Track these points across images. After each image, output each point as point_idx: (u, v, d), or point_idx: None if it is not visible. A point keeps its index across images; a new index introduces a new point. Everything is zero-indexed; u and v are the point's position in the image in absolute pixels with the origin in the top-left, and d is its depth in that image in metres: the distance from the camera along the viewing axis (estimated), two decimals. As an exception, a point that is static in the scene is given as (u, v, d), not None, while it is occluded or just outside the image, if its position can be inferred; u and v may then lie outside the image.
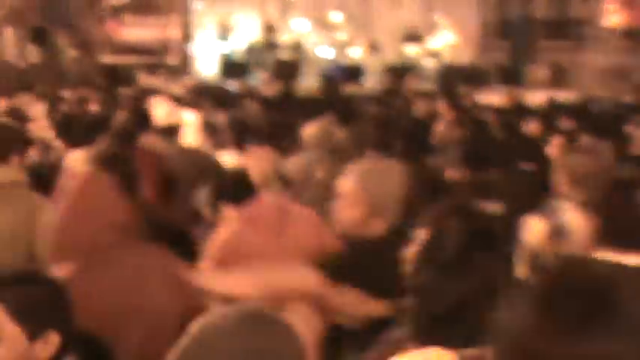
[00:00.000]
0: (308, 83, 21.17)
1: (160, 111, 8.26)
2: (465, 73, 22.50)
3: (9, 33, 22.32)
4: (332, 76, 22.00)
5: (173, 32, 22.98)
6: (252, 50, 23.82)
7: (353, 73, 22.52)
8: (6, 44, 22.34)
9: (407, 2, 25.75)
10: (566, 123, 10.30)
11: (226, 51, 23.82)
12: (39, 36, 22.39)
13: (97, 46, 22.52)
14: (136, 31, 22.63)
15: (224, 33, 23.89)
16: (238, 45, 23.92)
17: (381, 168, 3.93)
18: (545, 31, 26.02)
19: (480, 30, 26.18)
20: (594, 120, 10.72)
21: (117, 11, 22.57)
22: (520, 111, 12.88)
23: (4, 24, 21.99)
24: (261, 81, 21.30)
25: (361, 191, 3.72)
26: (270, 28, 23.96)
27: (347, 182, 3.77)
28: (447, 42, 24.03)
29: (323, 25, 24.19)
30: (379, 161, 4.68)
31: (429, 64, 23.62)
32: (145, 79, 21.10)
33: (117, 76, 21.14)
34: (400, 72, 22.32)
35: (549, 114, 11.28)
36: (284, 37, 24.24)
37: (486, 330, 1.57)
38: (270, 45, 23.73)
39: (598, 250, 3.63)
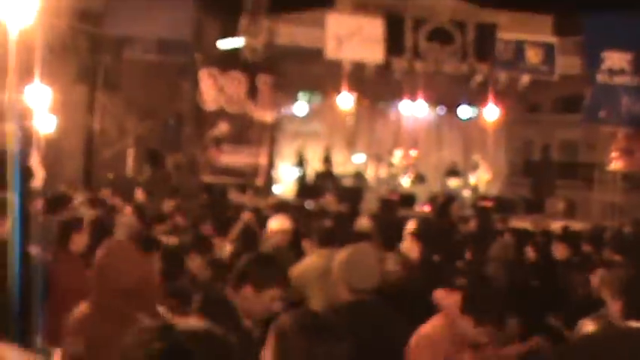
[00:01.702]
0: (369, 206, 25.40)
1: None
2: (497, 203, 26.62)
3: (131, 153, 27.14)
4: (389, 200, 26.27)
5: (261, 159, 27.47)
6: (319, 176, 28.18)
7: (406, 199, 26.74)
8: (128, 162, 27.12)
9: (449, 143, 30.40)
10: (585, 247, 11.64)
11: (300, 176, 28.28)
12: (153, 157, 27.09)
13: (200, 168, 27.13)
14: (232, 157, 27.14)
15: (300, 162, 28.48)
16: (310, 171, 28.46)
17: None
18: (561, 172, 30.25)
19: (508, 169, 30.64)
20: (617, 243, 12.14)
21: (218, 140, 27.14)
22: (546, 236, 14.30)
23: (131, 145, 26.86)
24: (327, 202, 25.44)
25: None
26: (327, 160, 28.39)
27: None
28: (481, 177, 28.39)
29: (379, 159, 28.71)
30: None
31: (467, 194, 27.92)
32: (235, 196, 25.47)
33: (213, 193, 25.52)
34: (445, 200, 26.41)
35: (571, 239, 12.17)
36: (347, 168, 28.70)
37: None
38: (328, 173, 28.04)
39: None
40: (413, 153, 28.55)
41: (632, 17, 26.86)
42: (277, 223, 9.20)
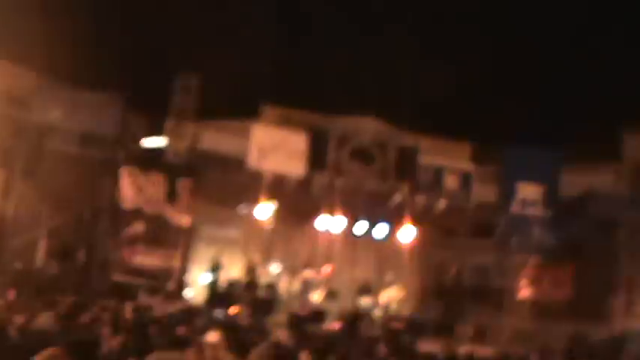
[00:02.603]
0: (279, 319, 25.09)
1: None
2: (407, 324, 26.64)
3: (43, 244, 26.50)
4: (299, 315, 26.01)
5: (174, 262, 27.13)
6: (233, 285, 27.84)
7: (316, 315, 26.52)
8: (39, 253, 26.44)
9: (363, 261, 30.55)
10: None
11: (213, 282, 27.86)
12: (64, 251, 26.49)
13: (112, 266, 26.62)
14: (145, 258, 26.74)
15: (214, 268, 28.17)
16: (224, 279, 28.12)
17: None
18: (472, 296, 30.56)
19: (420, 290, 30.88)
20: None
21: (133, 240, 26.78)
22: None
23: (43, 236, 26.21)
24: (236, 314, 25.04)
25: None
26: (252, 270, 28.19)
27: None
28: (393, 296, 28.45)
29: (293, 272, 28.58)
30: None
31: (378, 313, 27.89)
32: (144, 298, 24.95)
33: (122, 294, 24.96)
34: (354, 318, 26.32)
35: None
36: (262, 279, 28.46)
37: None
38: (250, 284, 27.75)
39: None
40: (327, 269, 28.54)
41: (545, 152, 27.94)
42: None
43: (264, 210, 27.36)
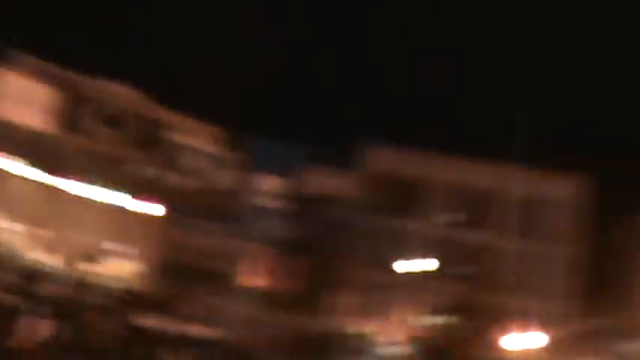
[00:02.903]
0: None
1: None
2: (134, 297, 26.31)
3: None
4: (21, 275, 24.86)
5: None
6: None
7: (39, 276, 25.48)
8: None
9: (97, 228, 29.76)
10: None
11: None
12: None
13: None
14: None
15: None
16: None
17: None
18: (200, 277, 30.76)
19: (149, 266, 30.63)
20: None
21: None
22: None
23: None
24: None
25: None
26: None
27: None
28: (123, 268, 27.96)
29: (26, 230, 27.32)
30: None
31: (105, 281, 27.28)
32: None
33: None
34: (80, 283, 25.50)
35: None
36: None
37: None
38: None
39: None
40: (55, 232, 27.62)
41: (292, 148, 28.78)
42: None
43: (15, 163, 25.94)
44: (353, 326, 32.01)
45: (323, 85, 31.82)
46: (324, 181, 32.16)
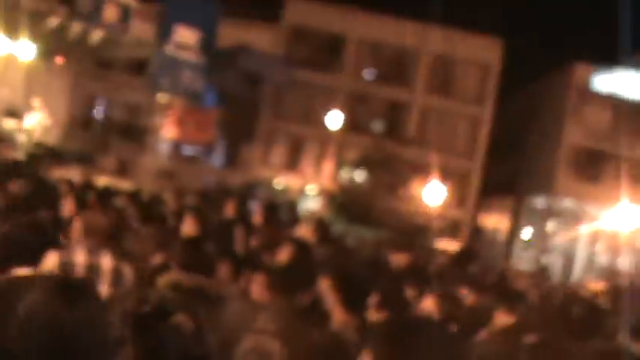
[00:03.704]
0: None
1: None
2: (51, 152, 26.42)
3: None
4: None
5: None
6: None
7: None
8: None
9: (10, 82, 29.39)
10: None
11: None
12: None
13: None
14: None
15: None
16: None
17: None
18: (118, 131, 31.03)
19: (68, 119, 30.64)
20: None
21: None
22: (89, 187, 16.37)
23: None
24: None
25: None
26: None
27: None
28: (39, 123, 27.89)
29: None
30: None
31: (22, 138, 27.24)
32: None
33: None
34: None
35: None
36: None
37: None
38: None
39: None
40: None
41: (207, 0, 28.57)
42: None
43: None
44: (268, 177, 32.77)
45: None
46: (240, 34, 32.04)
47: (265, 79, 32.00)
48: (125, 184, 22.93)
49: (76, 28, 28.16)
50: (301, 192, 35.09)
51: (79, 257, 4.97)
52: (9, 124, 27.63)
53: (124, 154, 30.20)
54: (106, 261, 5.13)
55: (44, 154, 25.96)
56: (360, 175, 36.23)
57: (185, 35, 28.66)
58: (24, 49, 28.32)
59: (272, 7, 33.44)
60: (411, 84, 38.07)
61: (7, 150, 25.07)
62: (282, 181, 34.77)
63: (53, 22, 27.75)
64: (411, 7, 35.66)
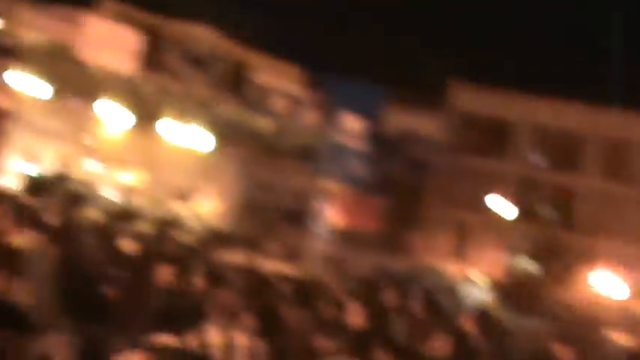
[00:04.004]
0: (92, 215, 25.03)
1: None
2: (219, 235, 27.17)
3: None
4: (113, 214, 26.03)
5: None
6: (49, 177, 27.37)
7: (132, 216, 26.58)
8: None
9: (182, 168, 30.64)
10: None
11: (32, 173, 27.28)
12: None
13: None
14: None
15: (31, 156, 27.54)
16: (41, 170, 27.56)
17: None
18: (285, 217, 31.45)
19: (237, 204, 31.41)
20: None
21: None
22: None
23: None
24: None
25: None
26: (65, 164, 27.77)
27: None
28: (209, 207, 28.84)
29: (116, 172, 28.41)
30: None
31: (193, 222, 28.21)
32: None
33: None
34: (166, 223, 26.52)
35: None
36: (78, 173, 28.08)
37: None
38: (62, 177, 27.34)
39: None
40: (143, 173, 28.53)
41: (373, 87, 28.90)
42: None
43: (106, 107, 26.77)
44: (436, 266, 32.19)
45: (406, 23, 31.54)
46: (406, 121, 32.12)
47: (431, 165, 31.77)
48: (291, 269, 23.05)
49: (245, 117, 29.11)
50: (467, 280, 34.22)
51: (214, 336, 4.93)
52: (181, 208, 28.62)
53: (291, 240, 30.51)
54: (241, 339, 5.04)
55: (213, 238, 26.61)
56: (529, 264, 34.99)
57: (351, 123, 29.02)
58: (199, 138, 29.44)
59: (437, 93, 33.37)
60: (582, 169, 36.75)
61: (179, 233, 25.90)
62: (447, 269, 34.07)
63: (225, 111, 28.82)
64: (578, 90, 34.56)
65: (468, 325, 7.95)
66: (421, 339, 7.39)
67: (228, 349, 5.08)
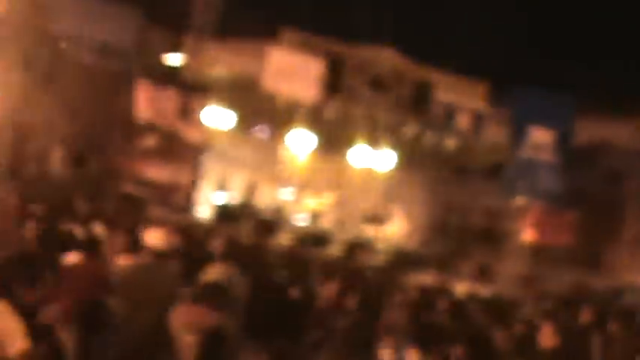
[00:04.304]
0: (283, 240, 25.62)
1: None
2: (409, 257, 27.14)
3: (57, 150, 26.90)
4: (304, 238, 26.54)
5: (184, 178, 27.59)
6: (240, 205, 28.32)
7: (322, 239, 27.03)
8: (52, 159, 26.89)
9: (371, 191, 30.81)
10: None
11: (222, 201, 28.37)
12: (78, 158, 26.96)
13: (123, 177, 27.07)
14: (157, 171, 27.22)
15: (222, 186, 28.65)
16: (232, 198, 28.59)
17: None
18: (477, 236, 30.90)
19: (427, 225, 31.19)
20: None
21: (145, 153, 27.24)
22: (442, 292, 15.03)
23: (57, 143, 26.58)
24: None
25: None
26: (251, 190, 28.63)
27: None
28: (399, 229, 28.81)
29: (303, 197, 29.01)
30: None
31: (382, 244, 28.29)
32: (152, 210, 25.49)
33: (133, 204, 25.44)
34: (355, 245, 26.76)
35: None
36: (269, 200, 28.85)
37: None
38: (248, 204, 28.20)
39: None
40: (331, 196, 28.88)
41: (560, 97, 27.86)
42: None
43: (296, 137, 27.64)
44: (636, 282, 30.48)
45: (594, 27, 30.29)
46: (599, 130, 30.73)
47: (628, 176, 30.20)
48: (485, 290, 22.62)
49: (430, 136, 28.89)
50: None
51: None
52: (370, 230, 28.74)
53: (483, 259, 29.93)
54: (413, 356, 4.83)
55: (402, 260, 26.57)
56: None
57: (540, 136, 28.14)
58: (384, 160, 29.50)
59: (631, 99, 31.67)
60: None
61: (367, 255, 26.06)
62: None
63: (409, 132, 28.74)
64: None
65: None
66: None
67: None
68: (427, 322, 7.81)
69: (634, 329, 8.69)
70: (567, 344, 7.37)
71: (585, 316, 9.52)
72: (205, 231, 19.24)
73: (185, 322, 5.07)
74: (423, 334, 5.64)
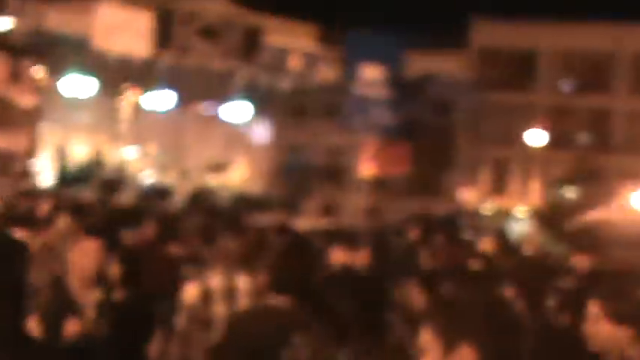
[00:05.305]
0: (127, 198, 25.50)
1: None
2: (254, 201, 27.50)
3: None
4: (147, 194, 26.45)
5: (20, 144, 26.77)
6: (84, 168, 27.85)
7: (165, 193, 26.98)
8: None
9: (213, 140, 30.98)
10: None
11: (64, 166, 27.79)
12: None
13: None
14: None
15: (62, 150, 28.03)
16: (72, 161, 28.05)
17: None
18: (319, 175, 31.66)
19: (270, 168, 31.66)
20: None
21: None
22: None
23: None
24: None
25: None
26: (98, 153, 28.25)
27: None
28: (242, 175, 29.09)
29: (145, 154, 28.79)
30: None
31: (227, 191, 28.52)
32: None
33: None
34: (200, 195, 26.91)
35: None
36: (112, 161, 28.52)
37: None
38: (97, 165, 27.82)
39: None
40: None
41: (388, 34, 28.81)
42: None
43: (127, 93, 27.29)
44: (473, 203, 32.23)
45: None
46: (427, 63, 31.99)
47: (457, 105, 31.67)
48: (328, 224, 23.15)
49: (264, 80, 29.25)
50: (509, 215, 34.21)
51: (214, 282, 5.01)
52: (213, 179, 28.90)
53: (327, 196, 30.67)
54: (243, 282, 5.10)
55: (247, 204, 26.85)
56: (568, 191, 34.84)
57: (371, 72, 29.00)
58: (224, 108, 29.63)
59: (457, 32, 33.11)
60: (613, 89, 36.32)
61: (210, 204, 26.18)
62: (488, 206, 34.07)
63: (242, 79, 28.98)
64: (598, 9, 33.97)
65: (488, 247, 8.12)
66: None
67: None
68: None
69: (457, 240, 9.42)
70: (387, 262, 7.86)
71: (413, 233, 10.19)
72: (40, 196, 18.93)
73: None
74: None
